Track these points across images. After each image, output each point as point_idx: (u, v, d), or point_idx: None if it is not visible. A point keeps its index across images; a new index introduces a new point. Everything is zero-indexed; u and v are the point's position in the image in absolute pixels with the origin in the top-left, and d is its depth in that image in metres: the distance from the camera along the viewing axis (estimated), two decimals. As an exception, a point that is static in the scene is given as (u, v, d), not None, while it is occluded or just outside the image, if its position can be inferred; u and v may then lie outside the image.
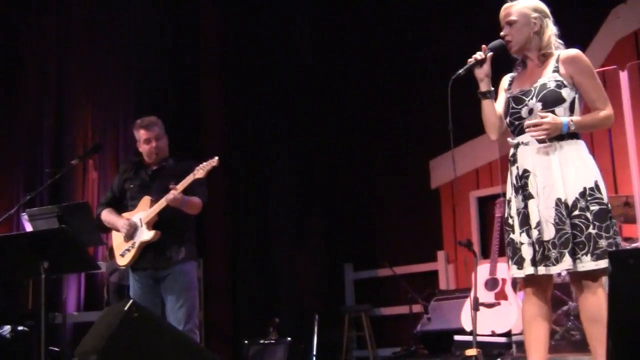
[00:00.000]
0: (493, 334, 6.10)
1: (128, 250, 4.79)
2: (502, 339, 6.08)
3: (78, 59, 7.93)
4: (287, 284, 8.38)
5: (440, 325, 6.87)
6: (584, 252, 3.40)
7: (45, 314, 4.44)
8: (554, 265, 3.43)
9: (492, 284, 6.30)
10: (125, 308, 3.25)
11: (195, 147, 8.15)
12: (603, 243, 3.39)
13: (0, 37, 7.83)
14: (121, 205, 5.01)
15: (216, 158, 4.72)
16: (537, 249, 3.47)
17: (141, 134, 4.99)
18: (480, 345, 5.64)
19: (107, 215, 4.97)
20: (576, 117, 3.51)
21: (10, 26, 7.87)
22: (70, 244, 4.43)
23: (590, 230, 3.40)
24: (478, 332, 5.57)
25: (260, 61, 8.74)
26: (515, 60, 3.77)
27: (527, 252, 3.51)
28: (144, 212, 4.80)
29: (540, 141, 3.51)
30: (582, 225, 3.41)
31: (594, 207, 3.42)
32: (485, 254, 7.32)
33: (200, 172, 4.68)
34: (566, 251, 3.39)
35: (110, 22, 8.08)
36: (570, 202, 3.44)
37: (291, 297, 8.31)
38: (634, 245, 5.44)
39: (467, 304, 6.24)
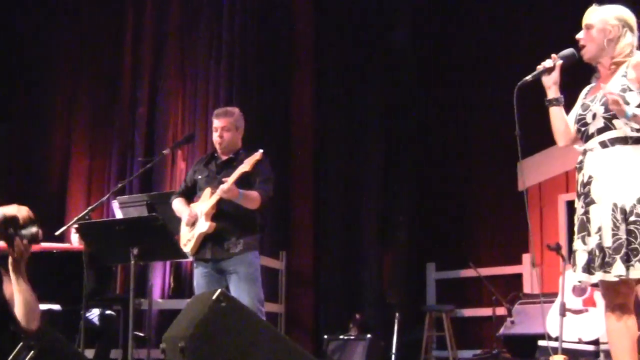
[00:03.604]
0: (580, 342, 5.95)
1: (189, 240, 4.84)
2: (590, 347, 5.94)
3: (172, 48, 8.08)
4: (370, 280, 8.35)
5: (524, 329, 6.74)
6: (637, 258, 3.33)
7: (133, 299, 4.54)
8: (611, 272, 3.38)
9: (580, 289, 6.15)
10: (214, 297, 3.28)
11: (285, 140, 8.21)
12: None
13: (101, 29, 8.08)
14: (193, 195, 5.06)
15: (260, 151, 4.71)
16: (597, 254, 3.42)
17: (213, 123, 5.05)
18: (566, 352, 5.54)
19: (177, 205, 5.04)
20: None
21: (111, 19, 8.10)
22: (160, 232, 4.52)
23: None
24: (564, 338, 5.48)
25: (354, 53, 8.74)
26: (594, 70, 3.70)
27: (580, 258, 3.51)
28: (205, 203, 4.85)
29: (603, 146, 3.48)
30: (637, 231, 3.35)
31: None
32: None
33: (245, 165, 4.68)
34: (618, 257, 3.35)
35: (203, 13, 8.20)
36: (627, 208, 3.37)
37: (373, 293, 8.29)
38: None
39: (553, 309, 6.11)
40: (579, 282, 3.55)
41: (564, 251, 6.13)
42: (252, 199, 4.77)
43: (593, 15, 3.61)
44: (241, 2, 8.21)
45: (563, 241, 7.54)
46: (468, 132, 8.88)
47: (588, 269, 3.46)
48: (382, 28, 8.90)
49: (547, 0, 8.35)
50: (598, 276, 3.42)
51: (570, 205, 7.88)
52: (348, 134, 8.62)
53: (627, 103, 3.43)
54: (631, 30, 3.58)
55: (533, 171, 8.15)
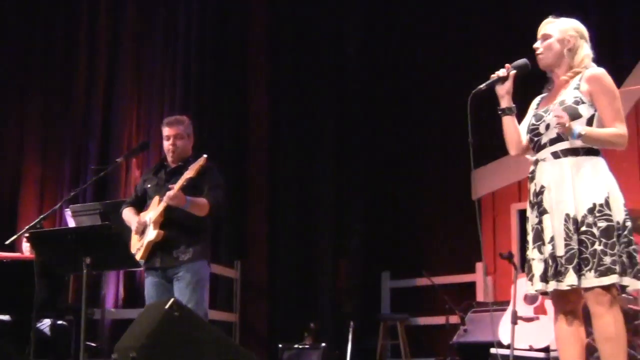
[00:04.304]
0: (531, 349, 6.02)
1: (139, 249, 4.81)
2: (540, 354, 6.00)
3: (127, 56, 8.02)
4: (325, 289, 8.37)
5: (477, 337, 6.80)
6: (588, 268, 3.40)
7: (85, 309, 4.49)
8: (564, 281, 3.43)
9: (531, 298, 6.22)
10: (167, 306, 3.26)
11: (240, 147, 8.20)
12: (607, 260, 3.38)
13: (55, 34, 7.98)
14: (143, 205, 5.02)
15: (204, 156, 4.66)
16: (550, 264, 3.49)
17: (163, 131, 5.03)
18: (518, 359, 5.60)
19: (126, 214, 5.01)
20: (588, 128, 3.49)
21: (64, 23, 8.01)
22: (113, 241, 4.48)
23: (596, 246, 3.40)
24: (516, 346, 5.56)
25: (307, 64, 8.78)
26: (547, 81, 3.78)
27: (537, 267, 3.56)
28: (153, 211, 4.82)
29: (555, 156, 3.55)
30: (587, 241, 3.41)
31: (602, 224, 3.41)
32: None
33: (190, 171, 4.64)
34: (570, 267, 3.41)
35: (159, 21, 8.15)
36: (579, 218, 3.44)
37: (329, 302, 8.30)
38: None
39: (506, 317, 6.18)
40: (536, 290, 3.58)
41: (516, 260, 6.21)
42: (200, 205, 4.75)
43: (550, 27, 3.70)
44: (197, 10, 8.19)
45: (515, 250, 7.64)
46: (423, 140, 8.94)
47: (545, 277, 3.51)
48: (334, 38, 8.97)
49: (499, 10, 8.46)
50: (552, 285, 3.48)
51: (523, 214, 7.99)
52: (302, 144, 8.64)
53: (580, 115, 3.51)
54: (587, 42, 3.69)
55: (487, 180, 8.25)
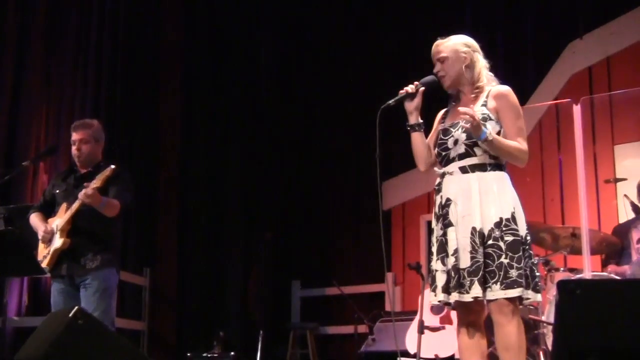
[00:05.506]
0: (436, 358, 6.14)
1: (45, 256, 4.72)
2: (446, 363, 6.13)
3: (36, 56, 7.81)
4: (234, 298, 8.34)
5: (384, 346, 6.89)
6: (494, 280, 3.48)
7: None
8: (467, 292, 3.51)
9: (438, 308, 6.34)
10: (71, 314, 3.19)
11: (150, 153, 8.10)
12: (514, 273, 3.47)
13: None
14: (52, 210, 4.93)
15: (111, 167, 4.62)
16: (452, 276, 3.55)
17: (71, 135, 4.94)
18: (424, 368, 5.70)
19: (33, 220, 4.92)
20: (496, 135, 3.58)
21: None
22: (17, 247, 4.37)
23: (503, 259, 3.48)
24: (422, 355, 5.64)
25: (221, 70, 8.75)
26: (450, 96, 3.87)
27: (440, 279, 3.62)
28: (60, 219, 4.74)
29: (463, 171, 3.62)
30: (494, 254, 3.49)
31: (508, 238, 3.51)
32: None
33: (97, 181, 4.59)
34: (476, 279, 3.48)
35: (69, 22, 7.98)
36: (485, 232, 3.52)
37: (238, 311, 8.27)
38: (579, 275, 5.52)
39: (412, 327, 6.28)
40: (439, 301, 3.64)
41: (424, 270, 6.31)
42: (113, 206, 4.69)
43: (442, 48, 3.77)
44: (110, 12, 8.06)
45: (424, 260, 7.78)
46: (334, 151, 9.03)
47: (447, 289, 3.58)
48: (248, 45, 9.01)
49: (408, 27, 8.61)
50: (454, 297, 3.55)
51: (431, 226, 8.14)
52: (214, 152, 8.61)
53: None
54: (479, 53, 3.79)
55: (398, 191, 8.37)
